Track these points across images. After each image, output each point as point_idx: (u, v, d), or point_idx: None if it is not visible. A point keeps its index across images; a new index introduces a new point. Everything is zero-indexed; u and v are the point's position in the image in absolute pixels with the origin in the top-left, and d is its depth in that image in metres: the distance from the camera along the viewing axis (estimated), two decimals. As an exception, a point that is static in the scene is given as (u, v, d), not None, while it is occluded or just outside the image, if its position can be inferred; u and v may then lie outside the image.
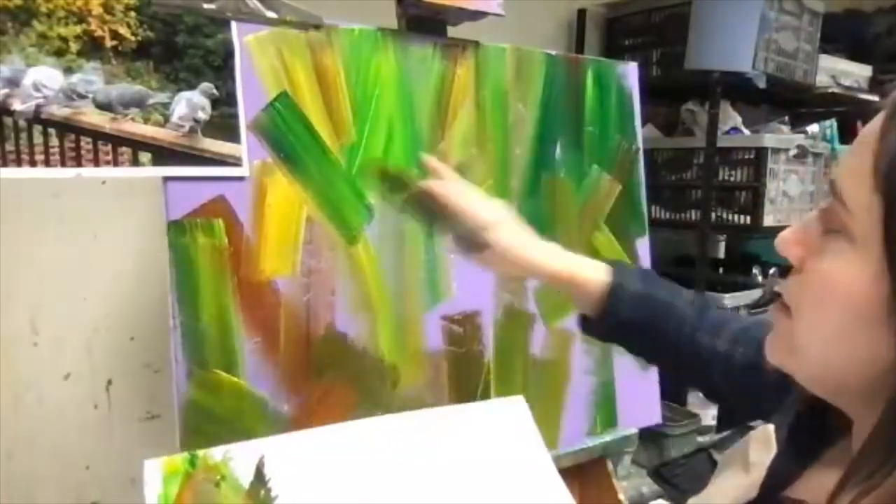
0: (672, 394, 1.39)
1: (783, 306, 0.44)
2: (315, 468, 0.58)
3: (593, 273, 0.70)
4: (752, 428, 0.60)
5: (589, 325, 0.72)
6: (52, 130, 0.67)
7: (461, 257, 0.79)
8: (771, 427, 0.53)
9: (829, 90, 1.81)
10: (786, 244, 0.44)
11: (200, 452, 0.56)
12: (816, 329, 0.41)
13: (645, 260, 1.17)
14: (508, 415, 0.64)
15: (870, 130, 0.39)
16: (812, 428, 0.47)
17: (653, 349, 0.72)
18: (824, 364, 0.41)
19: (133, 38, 0.71)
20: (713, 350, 0.65)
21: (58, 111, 0.67)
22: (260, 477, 0.56)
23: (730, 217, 1.60)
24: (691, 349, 0.67)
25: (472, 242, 0.73)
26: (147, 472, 0.54)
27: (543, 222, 1.05)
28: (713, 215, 1.57)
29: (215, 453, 0.56)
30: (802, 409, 0.48)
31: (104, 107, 0.70)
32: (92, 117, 0.69)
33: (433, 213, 0.77)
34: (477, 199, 0.76)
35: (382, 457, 0.60)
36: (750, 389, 0.53)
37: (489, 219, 0.73)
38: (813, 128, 1.69)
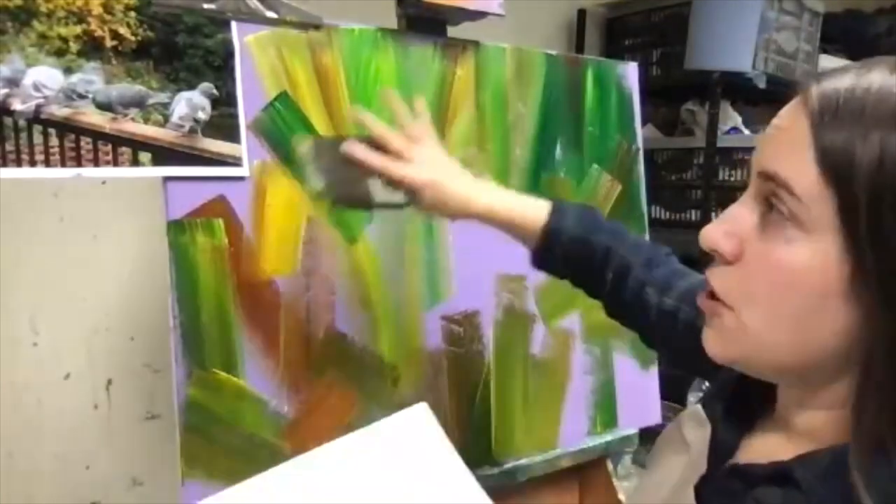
0: (672, 394, 1.39)
1: (715, 300, 0.46)
2: None
3: (533, 214, 0.73)
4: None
5: (536, 262, 0.76)
6: (52, 130, 0.67)
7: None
8: (699, 407, 0.56)
9: (830, 90, 1.81)
10: (714, 238, 0.46)
11: None
12: (773, 317, 0.43)
13: (645, 260, 1.17)
14: (413, 426, 0.61)
15: (796, 122, 0.42)
16: (744, 402, 0.51)
17: (594, 292, 0.76)
18: (781, 349, 0.43)
19: (133, 38, 0.71)
20: (660, 307, 0.68)
21: (58, 111, 0.67)
22: None
23: (730, 217, 1.60)
24: (637, 300, 0.69)
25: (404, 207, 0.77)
26: None
27: (543, 222, 1.05)
28: (713, 215, 1.57)
29: None
30: (733, 388, 0.52)
31: (104, 107, 0.70)
32: (92, 117, 0.69)
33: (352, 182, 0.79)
34: (407, 161, 0.77)
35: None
36: (689, 349, 0.54)
37: (416, 181, 0.75)
38: (813, 128, 1.68)
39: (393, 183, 0.78)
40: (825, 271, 0.40)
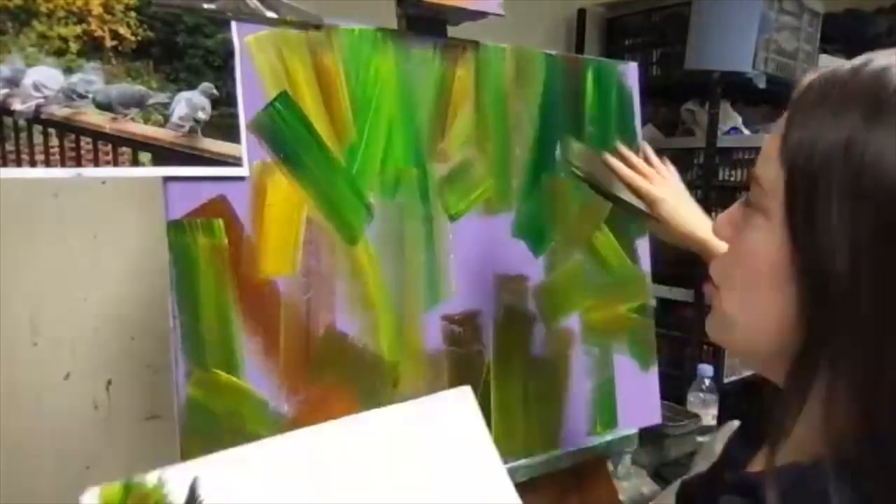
0: (672, 394, 1.39)
1: (713, 285, 0.49)
2: (251, 485, 0.57)
3: None
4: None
5: None
6: (52, 130, 0.67)
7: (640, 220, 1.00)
8: (737, 422, 0.58)
9: (830, 90, 1.81)
10: (718, 227, 0.50)
11: (136, 479, 0.56)
12: (740, 299, 0.46)
13: (645, 260, 1.17)
14: (454, 407, 0.64)
15: (781, 119, 0.45)
16: (760, 415, 0.52)
17: None
18: (748, 330, 0.46)
19: (133, 38, 0.71)
20: None
21: (58, 111, 0.67)
22: (192, 499, 0.56)
23: (730, 217, 1.60)
24: None
25: (643, 213, 0.93)
26: (83, 500, 0.54)
27: (543, 222, 1.05)
28: (713, 215, 1.57)
29: (149, 478, 0.56)
30: (750, 403, 0.53)
31: (104, 107, 0.70)
32: (92, 117, 0.69)
33: (611, 183, 0.98)
34: (648, 180, 0.93)
35: (324, 466, 0.58)
36: None
37: (656, 195, 0.89)
38: (813, 128, 1.68)
39: (638, 193, 0.92)
40: (773, 256, 0.43)
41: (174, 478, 0.56)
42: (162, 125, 0.73)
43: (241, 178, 0.78)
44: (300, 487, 0.57)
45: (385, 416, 0.63)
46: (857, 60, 0.42)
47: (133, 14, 0.71)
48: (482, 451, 0.61)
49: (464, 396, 0.64)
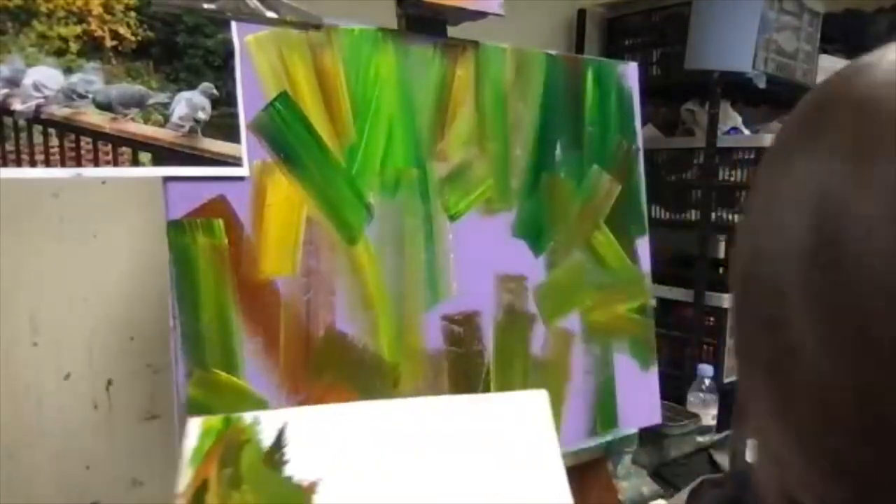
0: (672, 394, 1.39)
1: None
2: (330, 440, 0.62)
3: None
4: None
5: None
6: (52, 130, 0.67)
7: None
8: None
9: (830, 90, 1.81)
10: None
11: (235, 416, 0.63)
12: None
13: (645, 260, 1.17)
14: (527, 407, 0.67)
15: None
16: None
17: None
18: None
19: (133, 38, 0.71)
20: None
21: (58, 111, 0.67)
22: (279, 442, 0.62)
23: (730, 217, 1.60)
24: None
25: None
26: (189, 427, 0.62)
27: (543, 222, 1.05)
28: (713, 215, 1.57)
29: (246, 417, 0.63)
30: None
31: (104, 107, 0.70)
32: (92, 117, 0.69)
33: None
34: None
35: (396, 436, 0.63)
36: None
37: None
38: (813, 128, 1.68)
39: None
40: None
41: (268, 420, 0.63)
42: (162, 125, 0.73)
43: (241, 178, 0.78)
44: (371, 449, 0.62)
45: (463, 402, 0.67)
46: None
47: (133, 14, 0.71)
48: (547, 455, 0.64)
49: (538, 399, 0.68)
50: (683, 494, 0.57)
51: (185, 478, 0.59)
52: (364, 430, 0.64)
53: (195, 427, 0.62)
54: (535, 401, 0.67)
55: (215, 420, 0.63)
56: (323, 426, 0.63)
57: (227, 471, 0.60)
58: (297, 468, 0.60)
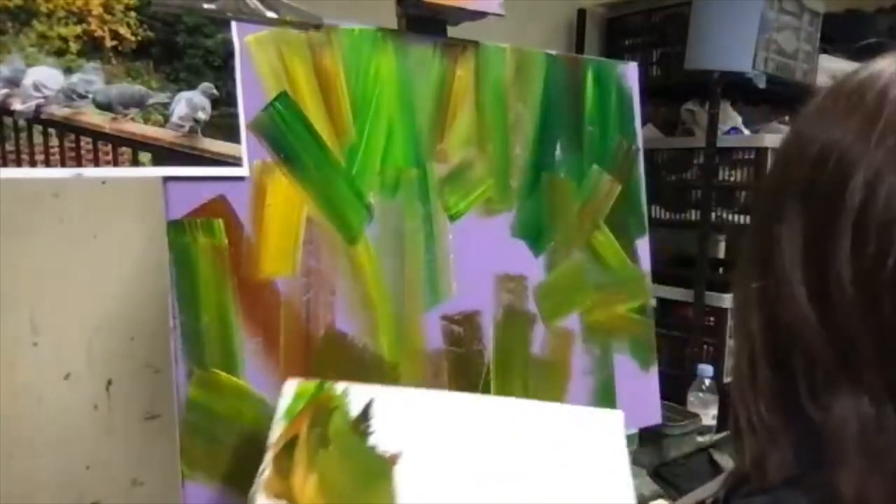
0: (672, 394, 1.39)
1: None
2: (411, 422, 0.66)
3: None
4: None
5: None
6: (52, 130, 0.67)
7: None
8: None
9: (830, 90, 1.80)
10: None
11: (328, 383, 0.68)
12: None
13: (645, 260, 1.17)
14: (603, 424, 0.69)
15: None
16: None
17: None
18: None
19: (133, 38, 0.71)
20: None
21: (58, 111, 0.67)
22: (365, 414, 0.66)
23: (730, 217, 1.60)
24: None
25: None
26: (285, 388, 0.68)
27: (543, 222, 1.05)
28: (713, 215, 1.57)
29: (338, 387, 0.68)
30: None
31: (104, 107, 0.70)
32: (92, 117, 0.69)
33: None
34: None
35: (475, 429, 0.66)
36: None
37: None
38: (813, 128, 1.68)
39: None
40: None
41: (356, 393, 0.68)
42: (162, 125, 0.73)
43: (241, 178, 0.78)
44: (448, 438, 0.65)
45: (544, 409, 0.71)
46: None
47: (133, 14, 0.71)
48: (617, 477, 0.65)
49: (614, 419, 0.70)
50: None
51: (276, 431, 0.64)
52: (445, 417, 0.67)
53: (291, 388, 0.67)
54: (612, 420, 0.70)
55: (310, 384, 0.68)
56: (406, 407, 0.68)
57: (317, 430, 0.64)
58: (381, 440, 0.64)
